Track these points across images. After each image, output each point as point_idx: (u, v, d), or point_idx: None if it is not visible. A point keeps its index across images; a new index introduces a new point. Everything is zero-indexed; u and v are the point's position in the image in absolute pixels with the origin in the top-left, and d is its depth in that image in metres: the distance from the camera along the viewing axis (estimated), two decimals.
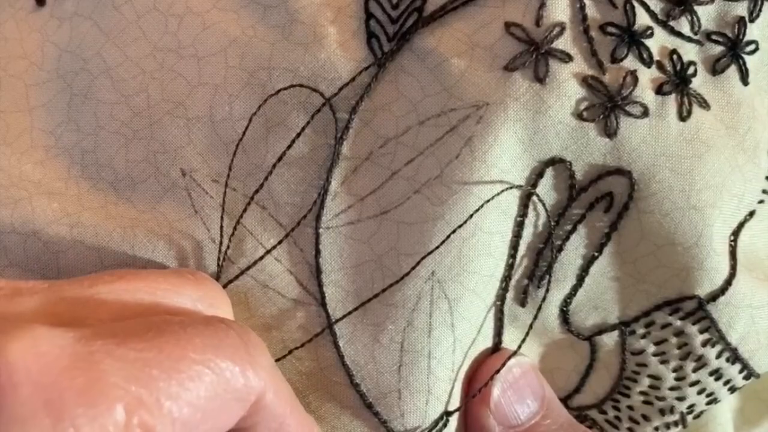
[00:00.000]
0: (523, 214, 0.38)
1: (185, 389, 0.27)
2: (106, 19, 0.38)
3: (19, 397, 0.25)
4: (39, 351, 0.26)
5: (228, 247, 0.37)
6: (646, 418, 0.42)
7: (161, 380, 0.27)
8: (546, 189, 0.38)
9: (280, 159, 0.36)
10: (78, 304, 0.30)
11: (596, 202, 0.38)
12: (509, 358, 0.38)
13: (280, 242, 0.37)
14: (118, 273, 0.32)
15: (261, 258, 0.37)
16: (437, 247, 0.36)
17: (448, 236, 0.36)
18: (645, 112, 0.36)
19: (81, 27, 0.38)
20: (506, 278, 0.39)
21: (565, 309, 0.40)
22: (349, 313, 0.37)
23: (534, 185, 0.37)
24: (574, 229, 0.38)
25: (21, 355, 0.25)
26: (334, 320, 0.37)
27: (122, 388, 0.26)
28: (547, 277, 0.39)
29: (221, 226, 0.36)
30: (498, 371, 0.38)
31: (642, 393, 0.41)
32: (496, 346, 0.40)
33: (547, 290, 0.39)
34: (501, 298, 0.39)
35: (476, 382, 0.39)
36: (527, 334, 0.39)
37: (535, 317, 0.39)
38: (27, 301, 0.30)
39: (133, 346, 0.27)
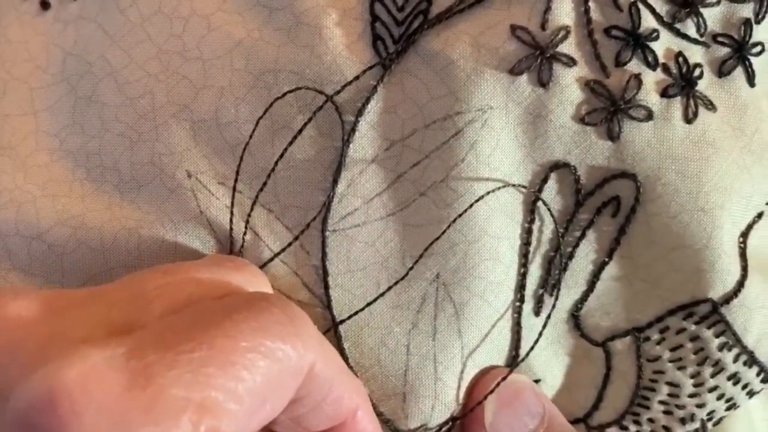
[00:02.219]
0: (530, 220, 0.38)
1: (242, 380, 0.27)
2: (111, 22, 0.38)
3: (84, 424, 0.25)
4: (96, 374, 0.26)
5: (240, 248, 0.37)
6: (667, 429, 0.42)
7: (218, 377, 0.27)
8: (552, 194, 0.38)
9: (281, 156, 0.37)
10: (129, 306, 0.30)
11: (603, 206, 0.38)
12: (503, 378, 0.39)
13: (289, 245, 0.37)
14: (162, 269, 0.33)
15: (270, 260, 0.37)
16: (433, 241, 0.37)
17: (444, 231, 0.37)
18: (649, 116, 0.37)
19: (86, 30, 0.39)
20: (520, 288, 0.39)
21: (575, 314, 0.40)
22: (354, 314, 0.37)
23: (539, 190, 0.38)
24: (583, 235, 0.39)
25: (79, 381, 0.25)
26: (339, 321, 0.37)
27: (184, 398, 0.26)
28: (558, 284, 0.39)
29: (230, 228, 0.37)
30: (491, 392, 0.38)
31: (662, 402, 0.42)
32: (514, 360, 0.40)
33: (557, 298, 0.39)
34: (518, 310, 0.39)
35: (471, 400, 0.39)
36: (536, 341, 0.39)
37: (545, 325, 0.39)
38: (79, 315, 0.30)
39: (183, 348, 0.27)
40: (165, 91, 0.37)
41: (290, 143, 0.36)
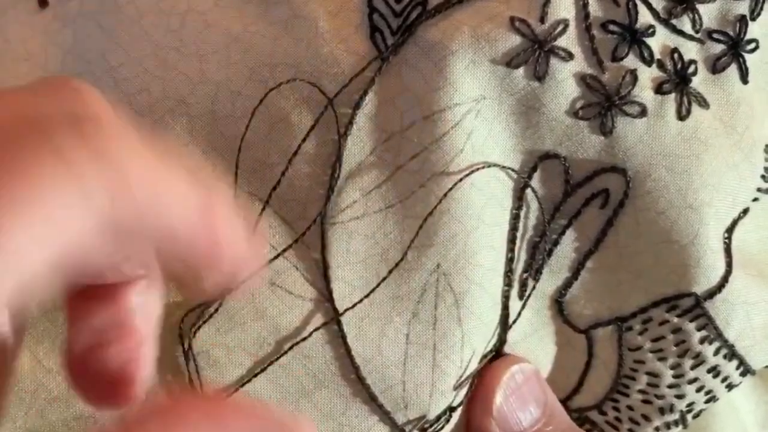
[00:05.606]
0: (518, 207, 0.38)
1: None
2: (109, 20, 0.38)
3: None
4: None
5: None
6: (646, 417, 0.42)
7: None
8: (540, 183, 0.38)
9: (290, 161, 0.36)
10: None
11: (592, 198, 0.38)
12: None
13: (295, 241, 0.37)
14: None
15: (274, 258, 0.37)
16: (422, 224, 0.37)
17: (426, 219, 0.37)
18: (643, 112, 0.37)
19: (85, 28, 0.38)
20: (508, 273, 0.39)
21: (560, 300, 0.40)
22: (356, 304, 0.37)
23: (528, 178, 0.38)
24: (569, 224, 0.39)
25: None
26: (340, 313, 0.37)
27: None
28: (541, 268, 0.39)
29: None
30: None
31: (641, 391, 0.41)
32: (501, 345, 0.40)
33: (537, 280, 0.39)
34: (506, 294, 0.39)
35: (479, 386, 0.39)
36: (515, 320, 0.40)
37: (523, 305, 0.39)
38: None
39: None
40: (161, 87, 0.36)
41: (295, 154, 0.36)
